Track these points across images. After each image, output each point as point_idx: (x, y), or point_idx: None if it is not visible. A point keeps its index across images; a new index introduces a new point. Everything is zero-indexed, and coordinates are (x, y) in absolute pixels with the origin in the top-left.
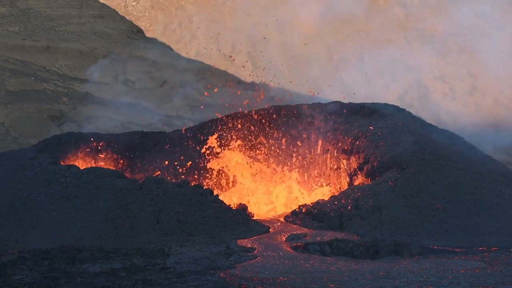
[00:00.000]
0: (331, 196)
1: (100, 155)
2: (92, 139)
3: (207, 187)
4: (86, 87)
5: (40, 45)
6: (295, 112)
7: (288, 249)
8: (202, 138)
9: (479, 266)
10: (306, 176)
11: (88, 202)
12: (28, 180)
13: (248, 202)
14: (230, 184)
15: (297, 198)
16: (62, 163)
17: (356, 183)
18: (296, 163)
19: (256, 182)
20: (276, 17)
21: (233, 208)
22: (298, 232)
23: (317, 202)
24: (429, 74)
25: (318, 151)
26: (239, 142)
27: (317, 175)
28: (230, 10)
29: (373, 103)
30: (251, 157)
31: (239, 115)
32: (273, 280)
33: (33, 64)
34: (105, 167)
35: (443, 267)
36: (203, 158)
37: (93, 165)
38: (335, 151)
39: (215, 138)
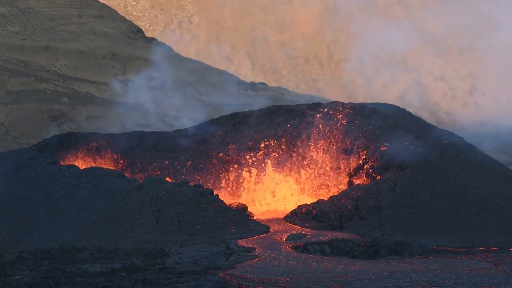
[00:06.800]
0: (331, 196)
1: (100, 155)
2: (92, 139)
3: None
4: (86, 87)
5: (40, 45)
6: (295, 112)
7: (288, 249)
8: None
9: (483, 266)
10: (306, 176)
11: (88, 202)
12: (28, 180)
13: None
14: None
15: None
16: (62, 163)
17: (356, 183)
18: (296, 163)
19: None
20: (276, 17)
21: (233, 208)
22: (298, 232)
23: (317, 202)
24: (429, 74)
25: (318, 151)
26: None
27: (317, 175)
28: (230, 10)
29: (373, 103)
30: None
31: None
32: (274, 280)
33: (33, 64)
34: (105, 167)
35: (447, 267)
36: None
37: (93, 165)
38: (335, 151)
39: None
